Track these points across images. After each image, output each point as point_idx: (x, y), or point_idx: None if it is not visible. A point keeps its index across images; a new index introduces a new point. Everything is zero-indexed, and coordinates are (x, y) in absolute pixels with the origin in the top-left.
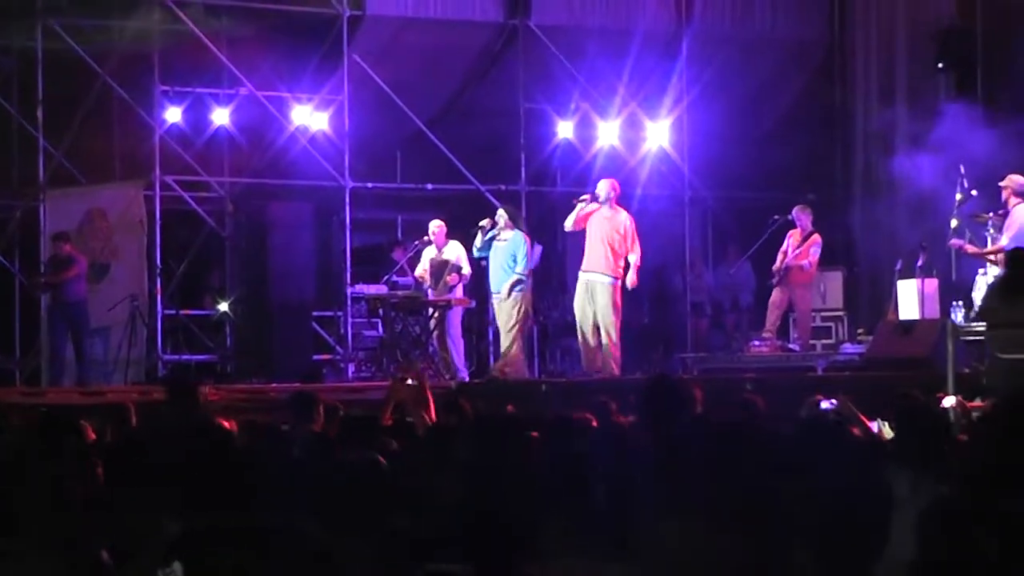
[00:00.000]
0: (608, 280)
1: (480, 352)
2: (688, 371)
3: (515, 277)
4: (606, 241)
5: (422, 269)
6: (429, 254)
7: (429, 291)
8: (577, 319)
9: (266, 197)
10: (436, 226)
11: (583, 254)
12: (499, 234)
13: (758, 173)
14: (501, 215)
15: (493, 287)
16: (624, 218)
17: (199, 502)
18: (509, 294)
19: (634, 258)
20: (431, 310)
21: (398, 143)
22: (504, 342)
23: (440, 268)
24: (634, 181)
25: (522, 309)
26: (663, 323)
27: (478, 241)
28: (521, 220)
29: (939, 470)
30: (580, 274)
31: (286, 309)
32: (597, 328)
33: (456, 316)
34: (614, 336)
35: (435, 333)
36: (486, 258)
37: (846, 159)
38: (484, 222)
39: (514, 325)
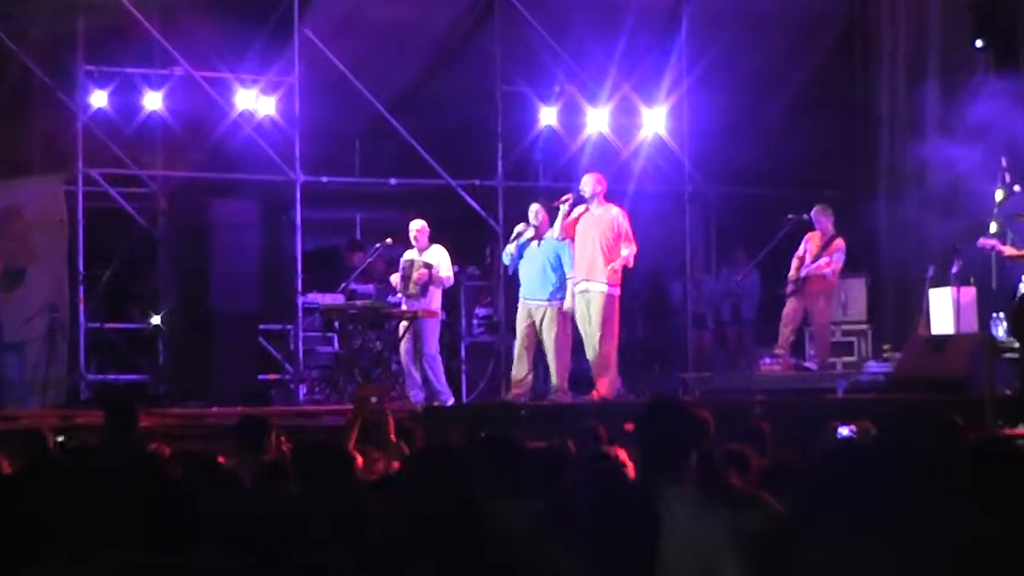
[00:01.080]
0: (603, 287)
1: (452, 372)
2: (689, 392)
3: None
4: (599, 244)
5: (397, 275)
6: (406, 257)
7: (401, 299)
8: (583, 334)
9: (205, 193)
10: (417, 227)
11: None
12: (534, 234)
13: (768, 166)
14: (536, 211)
15: (532, 293)
16: (616, 214)
17: (129, 541)
18: (559, 299)
19: (627, 251)
20: (395, 322)
21: (357, 131)
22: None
23: (409, 269)
24: (627, 175)
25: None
26: (660, 337)
27: (511, 248)
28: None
29: (987, 505)
30: (575, 286)
31: (228, 322)
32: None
33: (434, 331)
34: (605, 348)
35: (403, 348)
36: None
37: (868, 149)
38: (520, 227)
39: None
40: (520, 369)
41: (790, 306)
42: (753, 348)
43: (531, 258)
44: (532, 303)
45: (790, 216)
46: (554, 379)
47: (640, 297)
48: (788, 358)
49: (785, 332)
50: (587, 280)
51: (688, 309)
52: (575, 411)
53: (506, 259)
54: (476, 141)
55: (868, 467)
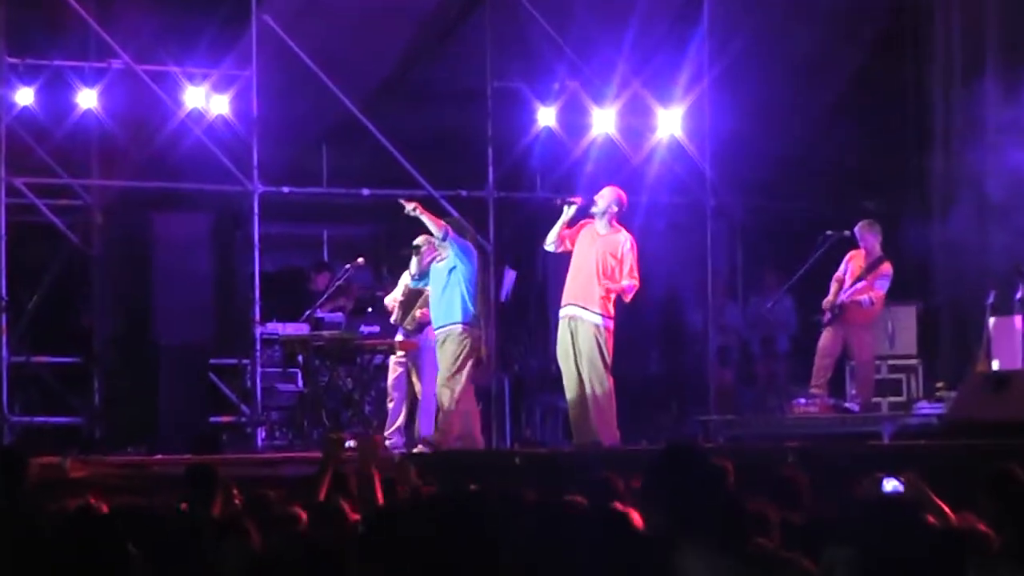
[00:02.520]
0: (597, 319)
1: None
2: (711, 438)
3: (461, 306)
4: (598, 266)
5: (394, 297)
6: (405, 278)
7: (399, 328)
8: (562, 369)
9: (148, 206)
10: (424, 243)
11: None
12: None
13: (803, 175)
14: (444, 226)
15: (434, 320)
16: (623, 240)
17: None
18: (455, 327)
19: (627, 283)
20: (369, 356)
21: (324, 135)
22: (443, 397)
23: (413, 298)
24: (638, 185)
25: (467, 349)
26: (676, 374)
27: (413, 266)
28: (465, 230)
29: None
30: (561, 310)
31: (173, 355)
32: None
33: (434, 366)
34: (601, 392)
35: (391, 381)
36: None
37: (918, 157)
38: (420, 239)
39: (455, 372)
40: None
41: (827, 338)
42: (785, 386)
43: (433, 279)
44: (438, 333)
45: (829, 233)
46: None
47: (653, 327)
48: (826, 398)
49: (822, 368)
50: (576, 305)
51: (710, 341)
52: (578, 461)
53: (412, 282)
54: (463, 146)
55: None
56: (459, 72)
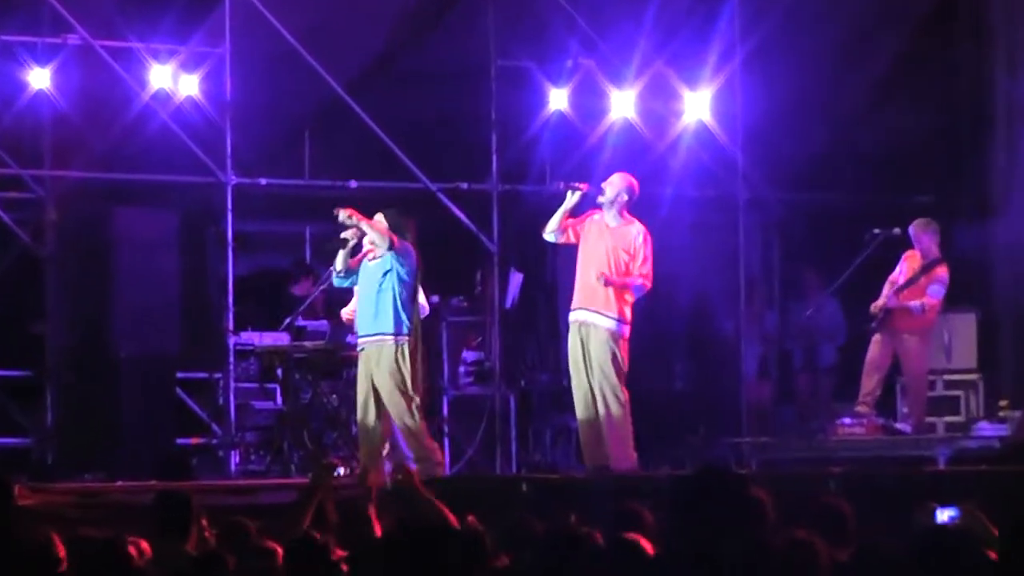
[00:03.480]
0: (610, 323)
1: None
2: (744, 463)
3: (396, 313)
4: (609, 263)
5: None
6: None
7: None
8: (572, 383)
9: (108, 199)
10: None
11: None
12: (372, 250)
13: (847, 165)
14: (378, 222)
15: (360, 328)
16: (637, 233)
17: None
18: (386, 339)
19: (636, 280)
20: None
21: (306, 120)
22: (406, 421)
23: None
24: (662, 176)
25: (406, 362)
26: (704, 391)
27: (338, 261)
28: (408, 230)
29: None
30: (570, 314)
31: (136, 368)
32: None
33: None
34: (616, 408)
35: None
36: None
37: (978, 145)
38: (347, 233)
39: (405, 391)
40: (369, 453)
41: (876, 349)
42: (828, 404)
43: (363, 282)
44: (362, 343)
45: (876, 231)
46: (413, 449)
47: (678, 337)
48: (874, 418)
49: (869, 383)
50: (586, 309)
51: (743, 353)
52: (593, 488)
53: (336, 280)
54: (463, 133)
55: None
56: (459, 50)
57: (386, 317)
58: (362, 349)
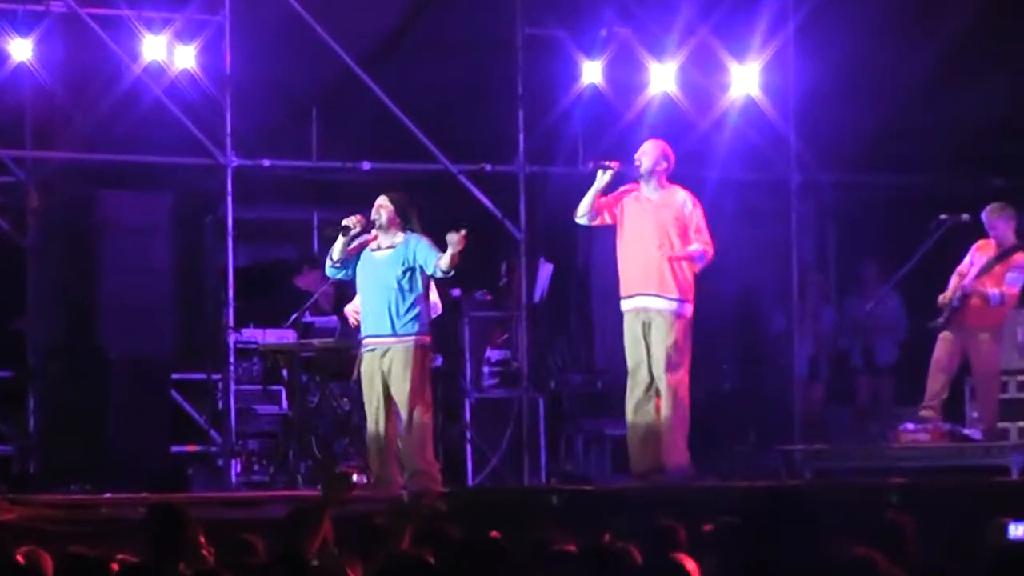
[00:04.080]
0: (673, 304)
1: (451, 442)
2: (796, 473)
3: (414, 309)
4: (661, 237)
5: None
6: None
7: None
8: (631, 379)
9: (95, 183)
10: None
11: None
12: (376, 238)
13: (911, 145)
14: (383, 206)
15: (369, 327)
16: (683, 199)
17: None
18: (407, 339)
19: (696, 248)
20: None
21: (314, 96)
22: (410, 435)
23: None
24: (706, 157)
25: (424, 366)
26: (753, 392)
27: (336, 249)
28: (415, 216)
29: None
30: (625, 302)
31: (126, 369)
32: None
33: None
34: (680, 402)
35: None
36: (350, 280)
37: None
38: (349, 220)
39: (423, 397)
40: (382, 462)
41: (943, 347)
42: (889, 408)
43: (370, 275)
44: (373, 343)
45: (943, 217)
46: (414, 461)
47: (725, 334)
48: (940, 423)
49: (935, 385)
50: (644, 294)
51: (795, 351)
52: (631, 501)
53: (330, 270)
54: (488, 109)
55: None
56: (482, 17)
57: (407, 315)
58: (371, 349)
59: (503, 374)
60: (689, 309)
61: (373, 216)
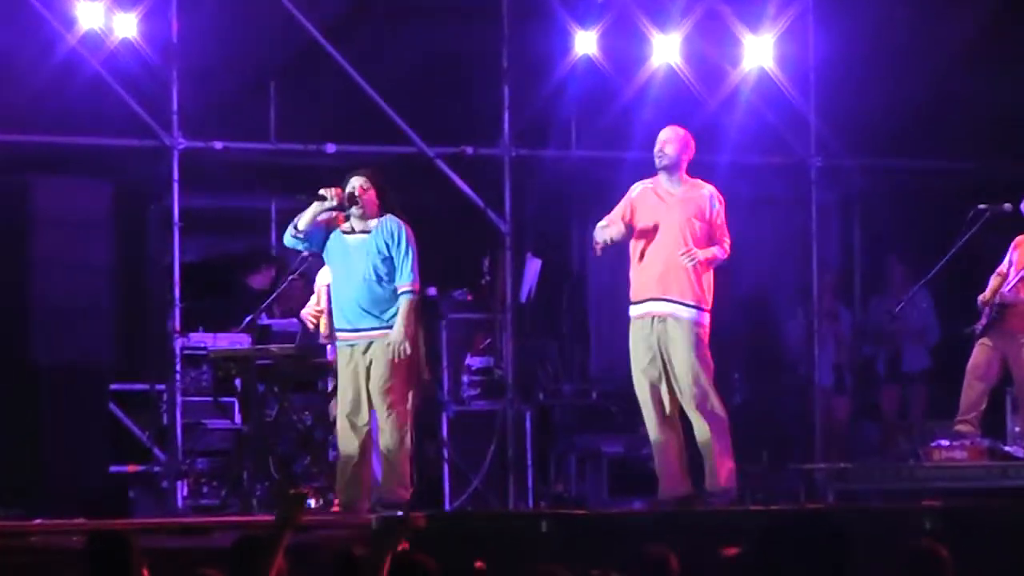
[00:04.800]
0: (693, 312)
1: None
2: (817, 495)
3: (397, 301)
4: (684, 237)
5: (315, 304)
6: (327, 277)
7: (330, 346)
8: (640, 394)
9: (25, 168)
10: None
11: (628, 272)
12: (350, 219)
13: (945, 126)
14: (365, 191)
15: (347, 319)
16: (708, 195)
17: None
18: (389, 330)
19: (715, 251)
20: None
21: (272, 70)
22: (385, 439)
23: None
24: (716, 139)
25: (410, 367)
26: (768, 405)
27: (304, 218)
28: (392, 198)
29: None
30: (636, 307)
31: (59, 379)
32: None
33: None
34: (718, 413)
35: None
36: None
37: None
38: (328, 191)
39: (391, 400)
40: (348, 474)
41: (981, 354)
42: (921, 422)
43: (345, 260)
44: (352, 338)
45: (982, 207)
46: (382, 476)
47: (737, 339)
48: (978, 438)
49: (972, 395)
50: (663, 299)
51: (815, 358)
52: (628, 525)
53: (290, 239)
54: (469, 84)
55: None
56: None
57: (391, 304)
58: (352, 345)
59: (485, 384)
60: (708, 319)
61: (347, 203)
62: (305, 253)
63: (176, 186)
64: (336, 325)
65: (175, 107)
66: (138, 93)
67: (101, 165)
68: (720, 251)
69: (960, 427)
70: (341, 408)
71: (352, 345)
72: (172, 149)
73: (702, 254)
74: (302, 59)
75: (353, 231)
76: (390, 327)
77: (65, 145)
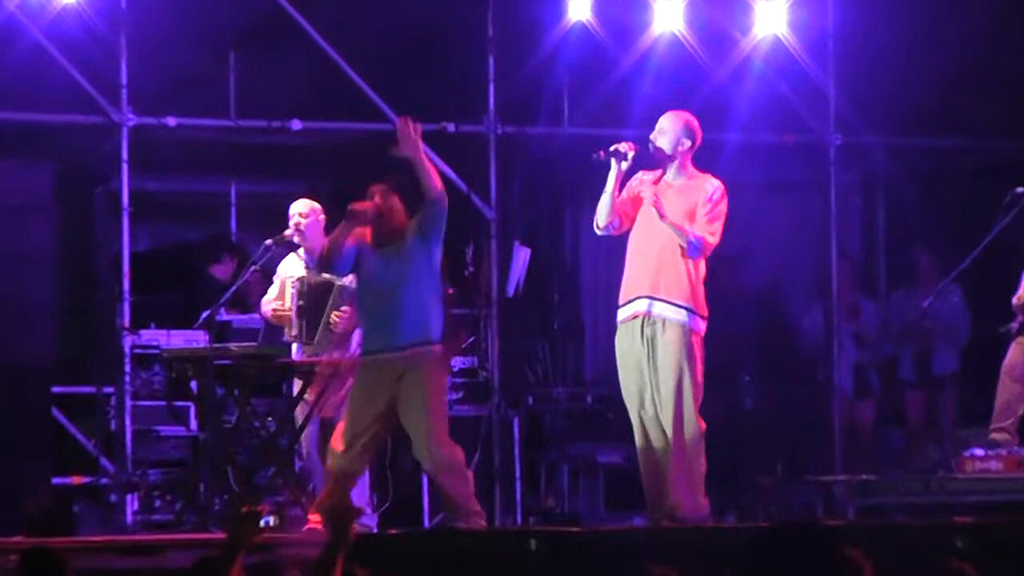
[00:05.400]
0: (683, 315)
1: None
2: (836, 509)
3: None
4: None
5: (274, 299)
6: (291, 268)
7: (296, 345)
8: (629, 400)
9: None
10: (303, 210)
11: (622, 267)
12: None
13: (978, 101)
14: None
15: (377, 342)
16: (711, 188)
17: None
18: (428, 347)
19: (695, 234)
20: (301, 382)
21: (232, 39)
22: (421, 452)
23: (320, 294)
24: (724, 113)
25: (440, 381)
26: (783, 411)
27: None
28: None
29: None
30: (624, 308)
31: None
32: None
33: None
34: (690, 433)
35: (308, 431)
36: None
37: None
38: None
39: (431, 414)
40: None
41: (1017, 354)
42: (952, 429)
43: (373, 272)
44: (380, 359)
45: (1020, 190)
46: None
47: (747, 338)
48: (1015, 447)
49: (1008, 400)
50: (652, 298)
51: (834, 359)
52: (626, 543)
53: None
54: (450, 54)
55: None
56: None
57: (426, 316)
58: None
59: (469, 386)
60: (703, 325)
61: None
62: (269, 241)
63: (125, 167)
64: None
65: (124, 79)
66: (83, 64)
67: (42, 144)
68: (696, 233)
69: (995, 435)
70: (355, 424)
71: (381, 357)
72: (121, 126)
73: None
74: (265, 27)
75: (387, 242)
76: (425, 342)
77: (1, 121)
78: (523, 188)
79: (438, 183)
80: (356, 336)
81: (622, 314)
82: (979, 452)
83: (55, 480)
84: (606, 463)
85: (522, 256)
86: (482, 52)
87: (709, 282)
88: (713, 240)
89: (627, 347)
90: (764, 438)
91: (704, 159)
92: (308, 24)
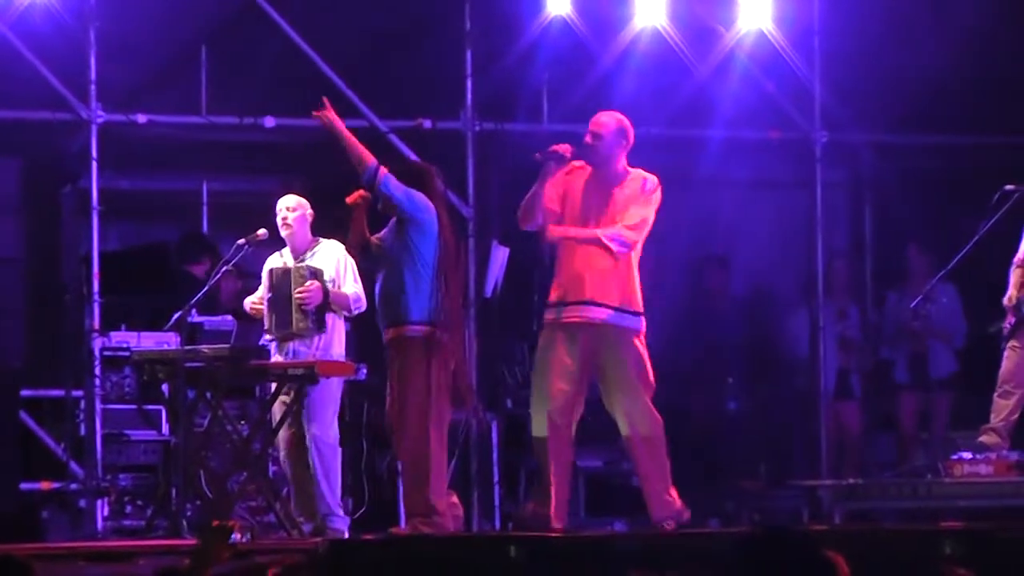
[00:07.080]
0: (635, 321)
1: (376, 477)
2: (822, 514)
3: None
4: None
5: (259, 296)
6: (271, 265)
7: (271, 342)
8: (547, 403)
9: None
10: (291, 205)
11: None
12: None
13: (969, 98)
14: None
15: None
16: (645, 181)
17: None
18: (421, 327)
19: (610, 231)
20: (275, 385)
21: (203, 34)
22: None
23: (283, 283)
24: (706, 110)
25: (432, 360)
26: (767, 414)
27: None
28: (432, 180)
29: None
30: (562, 309)
31: None
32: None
33: (331, 400)
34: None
35: (283, 434)
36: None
37: None
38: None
39: (413, 401)
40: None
41: (1012, 358)
42: (943, 433)
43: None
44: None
45: (1009, 187)
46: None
47: (731, 340)
48: (1006, 451)
49: (1002, 404)
50: (591, 302)
51: (820, 361)
52: (607, 550)
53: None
54: (426, 49)
55: None
56: None
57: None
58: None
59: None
60: (643, 326)
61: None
62: (242, 241)
63: (95, 165)
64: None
65: (93, 75)
66: (50, 59)
67: (8, 141)
68: (606, 235)
69: (984, 438)
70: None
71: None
72: (90, 123)
73: (615, 232)
74: (237, 21)
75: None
76: (420, 321)
77: None
78: (501, 186)
79: (369, 158)
80: (329, 329)
81: (560, 315)
82: (968, 456)
83: (23, 485)
84: (586, 468)
85: (500, 256)
86: (459, 46)
87: (693, 285)
88: (632, 235)
89: (554, 354)
90: (748, 441)
91: (685, 155)
92: (281, 18)
